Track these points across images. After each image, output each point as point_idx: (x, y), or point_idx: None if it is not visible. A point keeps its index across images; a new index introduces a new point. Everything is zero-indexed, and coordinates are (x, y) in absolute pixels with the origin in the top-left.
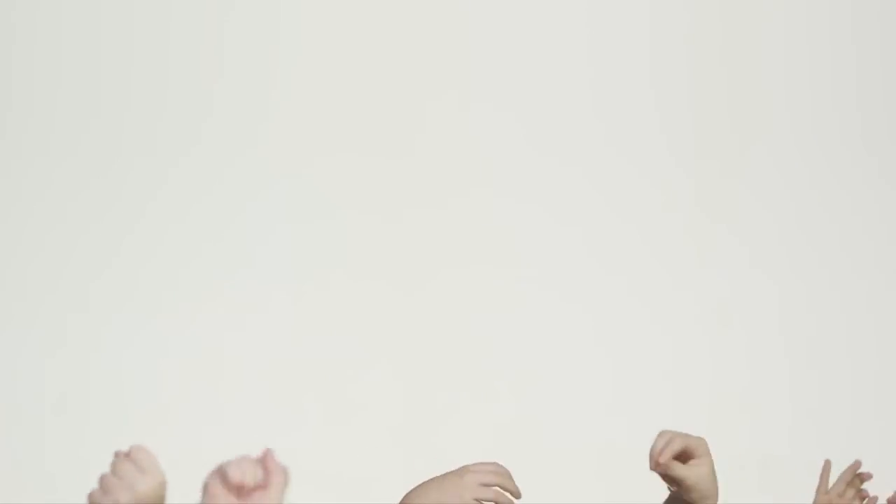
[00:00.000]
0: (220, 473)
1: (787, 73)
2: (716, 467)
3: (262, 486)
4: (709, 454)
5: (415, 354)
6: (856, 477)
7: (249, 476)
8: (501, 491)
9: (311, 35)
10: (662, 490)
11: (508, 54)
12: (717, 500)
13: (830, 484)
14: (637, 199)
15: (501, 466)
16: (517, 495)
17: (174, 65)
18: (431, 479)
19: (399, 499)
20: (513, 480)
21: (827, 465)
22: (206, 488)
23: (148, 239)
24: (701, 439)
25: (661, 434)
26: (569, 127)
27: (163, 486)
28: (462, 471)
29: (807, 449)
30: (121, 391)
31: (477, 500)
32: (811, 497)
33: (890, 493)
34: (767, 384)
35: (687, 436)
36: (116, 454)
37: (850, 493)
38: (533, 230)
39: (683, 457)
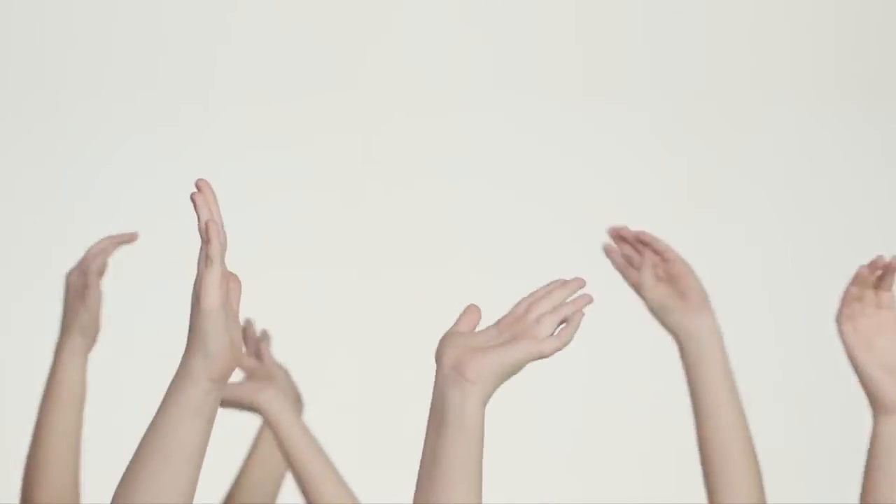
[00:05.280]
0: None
1: (784, 57)
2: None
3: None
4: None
5: (379, 338)
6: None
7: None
8: None
9: (270, 12)
10: (642, 483)
11: (488, 34)
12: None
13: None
14: (624, 182)
15: None
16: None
17: (120, 42)
18: None
19: (357, 478)
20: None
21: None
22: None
23: (99, 221)
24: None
25: None
26: (552, 107)
27: None
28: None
29: (800, 443)
30: None
31: None
32: (805, 496)
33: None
34: (759, 373)
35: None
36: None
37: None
38: (511, 213)
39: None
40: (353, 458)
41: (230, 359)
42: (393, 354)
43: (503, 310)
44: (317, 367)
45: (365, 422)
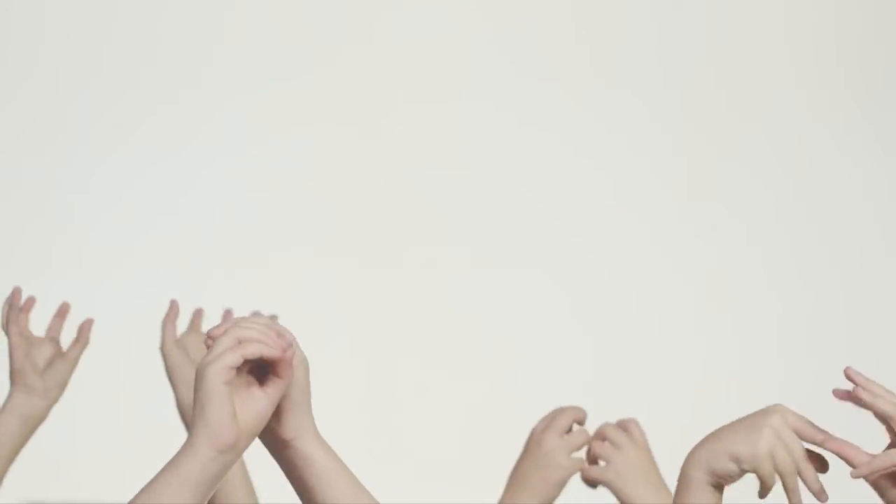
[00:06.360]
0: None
1: (784, 49)
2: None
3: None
4: None
5: (379, 330)
6: None
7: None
8: None
9: (269, 4)
10: None
11: (487, 24)
12: None
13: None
14: (625, 175)
15: None
16: None
17: (118, 35)
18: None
19: (360, 472)
20: None
21: None
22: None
23: (99, 210)
24: None
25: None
26: (552, 99)
27: None
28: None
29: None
30: (81, 364)
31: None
32: (806, 496)
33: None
34: (760, 368)
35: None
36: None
37: None
38: (511, 205)
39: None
40: (355, 450)
41: (234, 431)
42: (393, 345)
43: (501, 301)
44: (317, 359)
45: (365, 414)
